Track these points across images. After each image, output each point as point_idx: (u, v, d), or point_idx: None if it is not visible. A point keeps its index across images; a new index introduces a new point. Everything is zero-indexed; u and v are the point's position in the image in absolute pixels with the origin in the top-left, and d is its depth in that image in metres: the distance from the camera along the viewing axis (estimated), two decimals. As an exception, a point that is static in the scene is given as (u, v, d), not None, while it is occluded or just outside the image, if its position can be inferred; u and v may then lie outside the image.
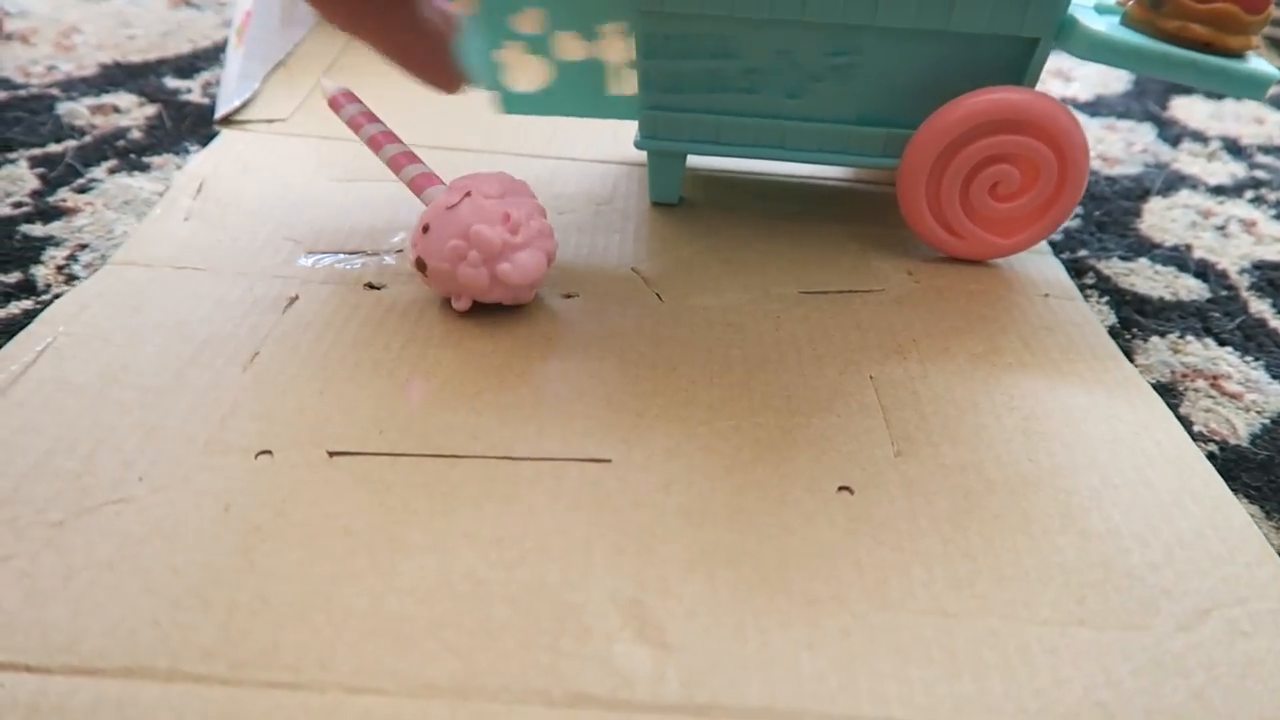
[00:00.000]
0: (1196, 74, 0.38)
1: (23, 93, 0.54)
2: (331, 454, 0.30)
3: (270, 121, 0.52)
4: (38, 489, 0.28)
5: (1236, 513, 0.30)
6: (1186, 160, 0.56)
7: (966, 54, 0.40)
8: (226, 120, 0.51)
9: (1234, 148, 0.58)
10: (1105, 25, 0.39)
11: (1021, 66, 0.40)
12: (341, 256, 0.41)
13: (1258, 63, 0.38)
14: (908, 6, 0.38)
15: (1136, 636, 0.25)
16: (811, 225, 0.46)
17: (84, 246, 0.42)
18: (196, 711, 0.22)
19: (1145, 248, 0.47)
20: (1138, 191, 0.53)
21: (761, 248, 0.44)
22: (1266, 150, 0.58)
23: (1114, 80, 0.67)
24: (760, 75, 0.41)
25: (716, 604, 0.26)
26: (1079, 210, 0.50)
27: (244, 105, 0.52)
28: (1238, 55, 0.38)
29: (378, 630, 0.24)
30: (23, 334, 0.35)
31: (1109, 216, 0.50)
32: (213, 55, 0.61)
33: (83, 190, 0.46)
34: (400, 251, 0.42)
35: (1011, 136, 0.39)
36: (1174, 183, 0.54)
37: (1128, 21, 0.40)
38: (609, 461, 0.30)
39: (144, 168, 0.48)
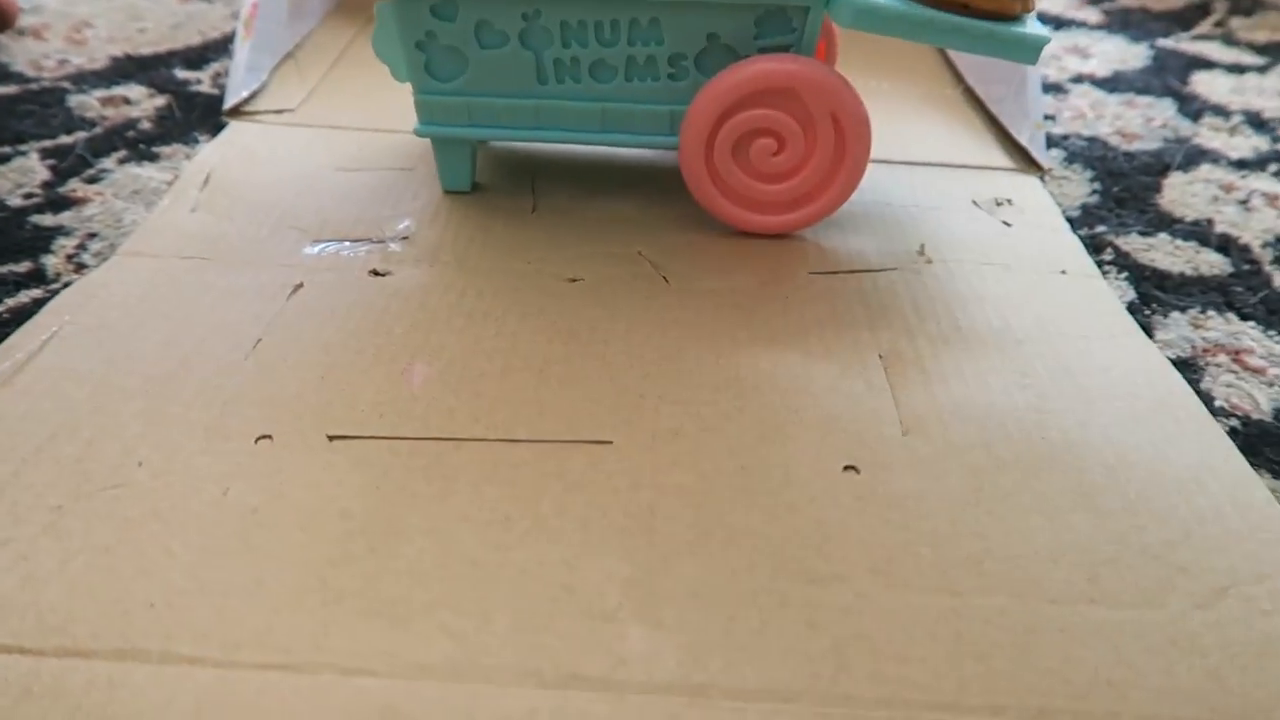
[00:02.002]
0: (964, 39, 0.36)
1: (34, 86, 0.55)
2: (331, 438, 0.30)
3: (279, 112, 0.52)
4: (38, 474, 0.28)
5: (1257, 489, 0.29)
6: (1208, 135, 0.55)
7: (742, 26, 0.38)
8: (235, 111, 0.51)
9: (1256, 121, 0.57)
10: None
11: (800, 35, 0.38)
12: (347, 244, 0.41)
13: (1030, 25, 0.37)
14: None
15: (1151, 615, 0.25)
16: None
17: (93, 236, 0.42)
18: (188, 692, 0.22)
19: (1165, 223, 0.46)
20: (1157, 167, 0.51)
21: (770, 229, 0.43)
22: (1292, 124, 0.57)
23: (1132, 56, 0.66)
24: (538, 57, 0.40)
25: (716, 584, 0.25)
26: (1097, 186, 0.49)
27: (252, 96, 0.52)
28: (1010, 18, 0.37)
29: (372, 612, 0.24)
30: (29, 323, 0.35)
31: (1128, 192, 0.49)
32: (222, 47, 0.61)
33: (93, 180, 0.46)
34: (405, 239, 0.42)
35: (775, 109, 0.38)
36: (1195, 157, 0.53)
37: None
38: (610, 443, 0.30)
39: (153, 158, 0.48)
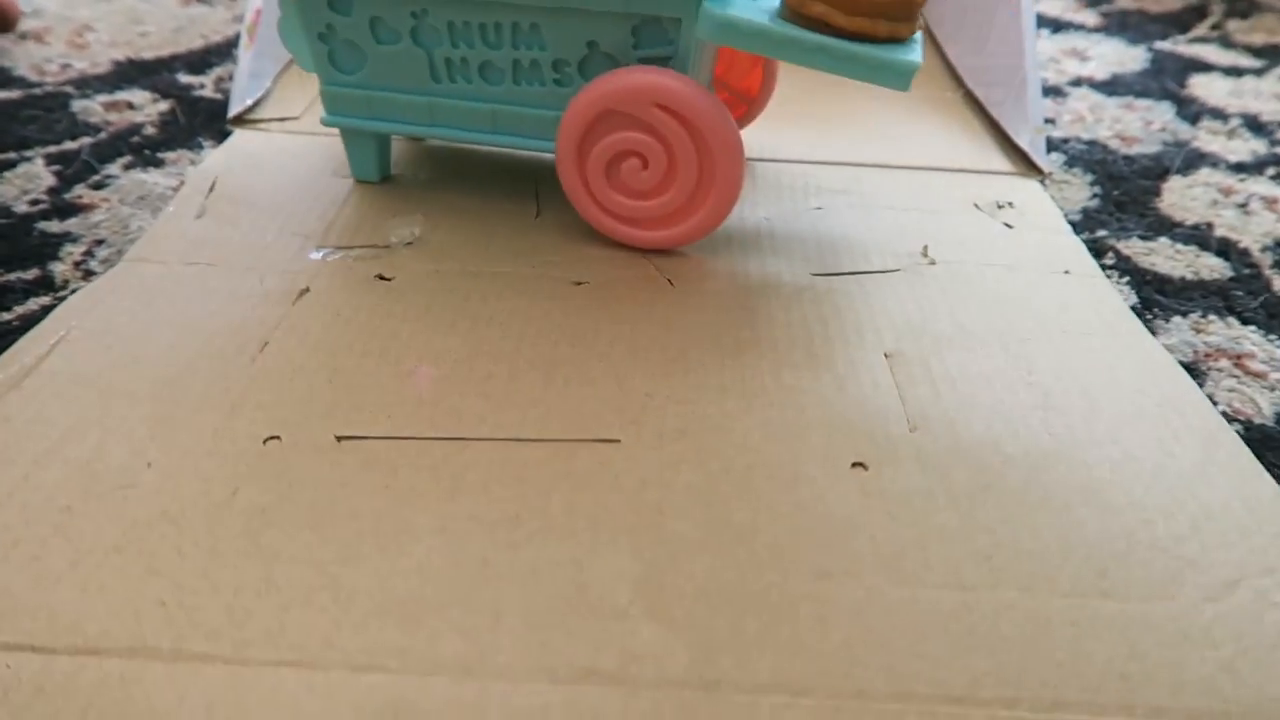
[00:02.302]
0: (827, 59, 0.35)
1: (37, 91, 0.55)
2: (339, 438, 0.30)
3: (282, 120, 0.52)
4: (47, 476, 0.28)
5: (1265, 484, 0.29)
6: (1206, 138, 0.55)
7: (620, 35, 0.38)
8: (239, 119, 0.52)
9: (1254, 124, 0.57)
10: (741, 7, 0.36)
11: (674, 45, 0.38)
12: (352, 250, 0.41)
13: (902, 50, 0.35)
14: None
15: (1162, 608, 0.25)
16: (824, 204, 0.46)
17: (100, 242, 0.42)
18: (200, 690, 0.21)
19: (1165, 227, 0.47)
20: (1157, 170, 0.52)
21: (775, 230, 0.44)
22: (1290, 126, 0.57)
23: (1130, 59, 0.66)
24: (430, 55, 0.40)
25: (726, 581, 0.25)
26: (1098, 190, 0.49)
27: (256, 104, 0.52)
28: (876, 40, 0.35)
29: (383, 610, 0.24)
30: (36, 329, 0.35)
31: (1127, 196, 0.49)
32: (224, 51, 0.61)
33: (99, 186, 0.46)
34: (410, 244, 0.42)
35: (637, 129, 0.38)
36: (1194, 161, 0.53)
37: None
38: (618, 442, 0.30)
39: (158, 163, 0.48)
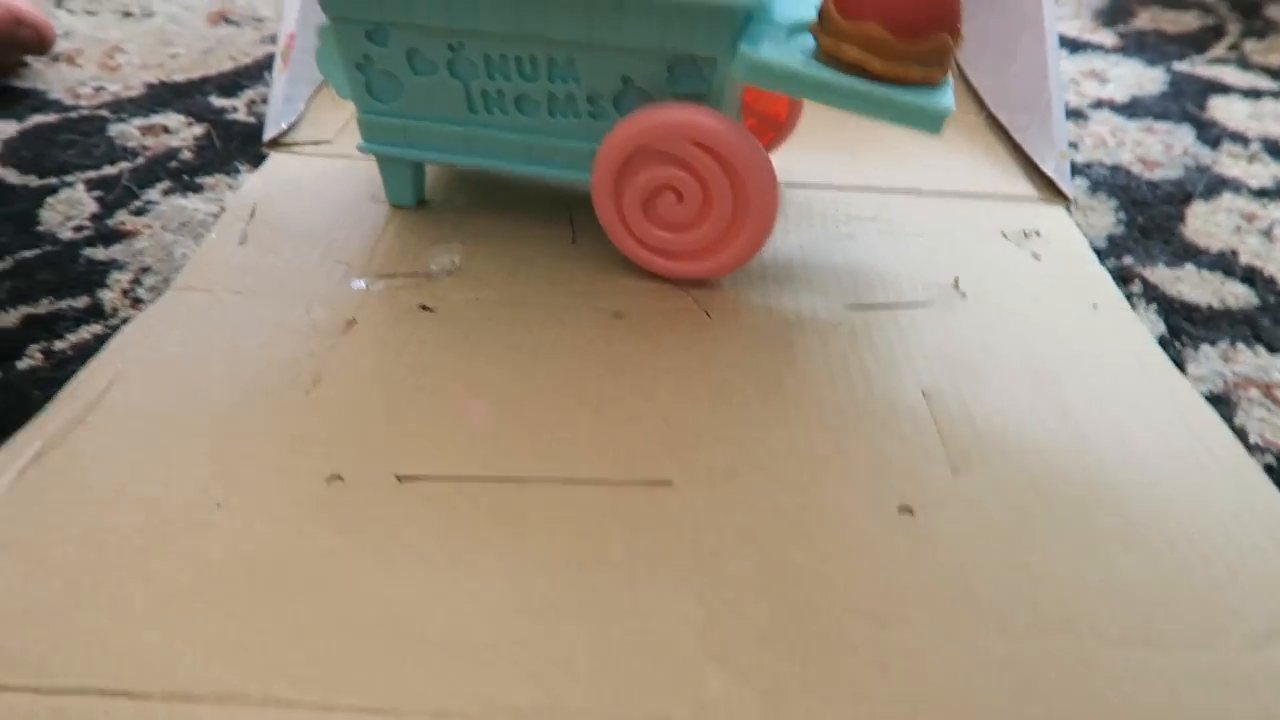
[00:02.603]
0: (861, 103, 0.35)
1: (74, 115, 0.56)
2: (400, 478, 0.31)
3: (316, 143, 0.53)
4: (120, 516, 0.29)
5: (1296, 527, 0.30)
6: (1227, 162, 0.56)
7: (655, 72, 0.39)
8: (274, 142, 0.52)
9: (1274, 148, 0.58)
10: (775, 47, 0.37)
11: (708, 83, 0.39)
12: (395, 279, 0.42)
13: (934, 94, 0.35)
14: (577, 22, 0.38)
15: (1205, 657, 0.26)
16: (854, 231, 0.47)
17: (146, 269, 0.43)
18: (292, 738, 0.22)
19: (1190, 253, 0.47)
20: (1180, 195, 0.53)
21: (807, 259, 0.44)
22: (1309, 151, 0.58)
23: (1149, 81, 0.67)
24: (466, 86, 0.41)
25: (785, 626, 0.26)
26: (1122, 216, 0.50)
27: (290, 128, 0.53)
28: (910, 84, 0.35)
29: (461, 654, 0.25)
30: (93, 362, 0.36)
31: (1152, 222, 0.50)
32: (254, 73, 0.62)
33: (139, 212, 0.47)
34: (451, 273, 0.43)
35: (673, 163, 0.38)
36: (1216, 186, 0.54)
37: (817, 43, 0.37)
38: (670, 484, 0.31)
39: (196, 188, 0.49)
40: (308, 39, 0.55)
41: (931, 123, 0.35)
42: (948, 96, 0.36)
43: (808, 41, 0.38)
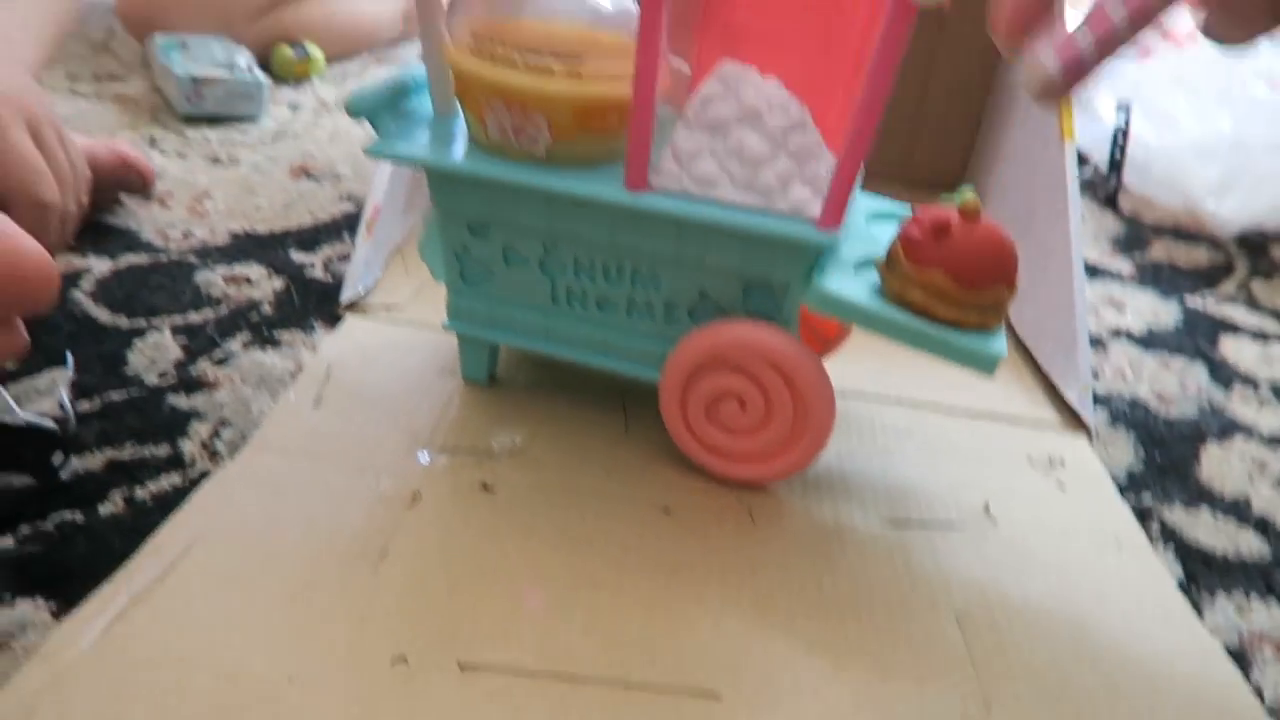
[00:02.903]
0: (921, 340, 0.38)
1: (163, 258, 0.59)
2: (462, 667, 0.32)
3: (388, 308, 0.56)
4: (198, 683, 0.30)
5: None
6: (1239, 405, 0.60)
7: (731, 290, 0.43)
8: (350, 305, 0.56)
9: (1284, 394, 0.61)
10: (844, 280, 0.40)
11: (779, 305, 0.42)
12: (458, 454, 0.45)
13: (989, 339, 0.38)
14: (666, 239, 0.41)
15: None
16: (891, 445, 0.49)
17: (225, 423, 0.45)
18: None
19: (1206, 496, 0.50)
20: (1195, 435, 0.55)
21: (845, 470, 0.47)
22: (1315, 399, 0.61)
23: (1164, 313, 0.71)
24: (553, 282, 0.45)
25: None
26: (1140, 452, 0.53)
27: (367, 292, 0.57)
28: (968, 328, 0.38)
29: None
30: (175, 517, 0.38)
31: (1169, 460, 0.53)
32: (332, 230, 0.66)
33: (220, 362, 0.50)
34: (511, 453, 0.45)
35: (739, 373, 0.42)
36: (1229, 428, 0.57)
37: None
38: (719, 699, 0.32)
39: (275, 343, 0.52)
40: (391, 210, 0.60)
41: (986, 365, 0.38)
42: (1001, 342, 0.39)
43: (873, 277, 0.42)
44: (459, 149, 0.43)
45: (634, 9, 0.38)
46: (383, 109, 0.43)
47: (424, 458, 0.44)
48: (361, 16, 1.07)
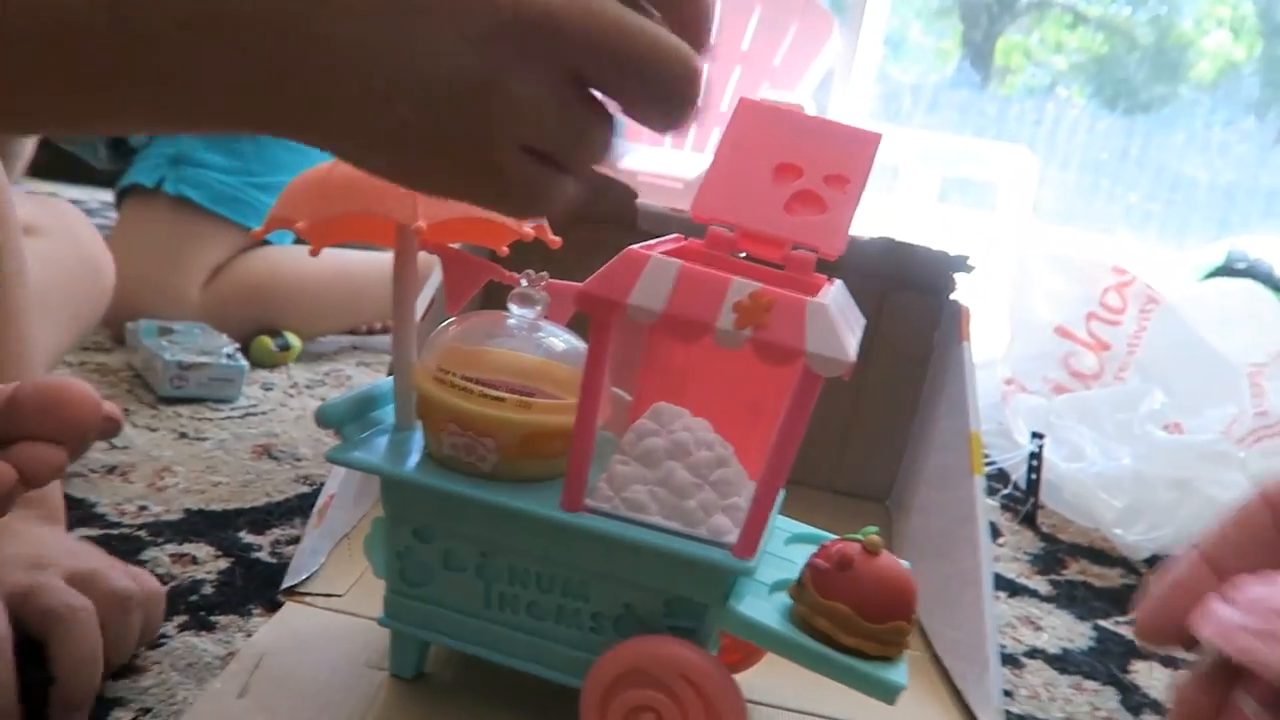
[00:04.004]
0: (825, 666, 0.41)
1: (114, 532, 0.61)
2: None
3: (327, 596, 0.58)
4: None
5: None
6: (1149, 734, 0.61)
7: (653, 604, 0.45)
8: (290, 590, 0.57)
9: (1192, 726, 0.63)
10: (757, 604, 0.44)
11: (700, 621, 0.45)
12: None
13: (890, 669, 0.41)
14: (596, 555, 0.45)
15: None
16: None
17: (146, 711, 0.45)
18: None
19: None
20: (1106, 765, 0.57)
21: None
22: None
23: (1078, 635, 0.74)
24: (488, 586, 0.47)
25: None
26: (1053, 782, 0.54)
27: (308, 578, 0.59)
28: (870, 657, 0.41)
29: None
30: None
31: (1081, 792, 0.54)
32: (284, 511, 0.69)
33: (154, 646, 0.50)
34: (431, 755, 0.45)
35: (654, 688, 0.43)
36: (1139, 759, 0.58)
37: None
38: None
39: (210, 627, 0.53)
40: (342, 501, 0.63)
41: (887, 694, 0.41)
42: (902, 672, 0.42)
43: (785, 601, 0.45)
44: (413, 460, 0.47)
45: (583, 348, 0.44)
46: (349, 420, 0.48)
47: (342, 760, 0.44)
48: (343, 308, 1.16)
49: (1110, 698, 0.65)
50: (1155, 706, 0.65)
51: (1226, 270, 1.46)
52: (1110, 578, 0.87)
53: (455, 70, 0.31)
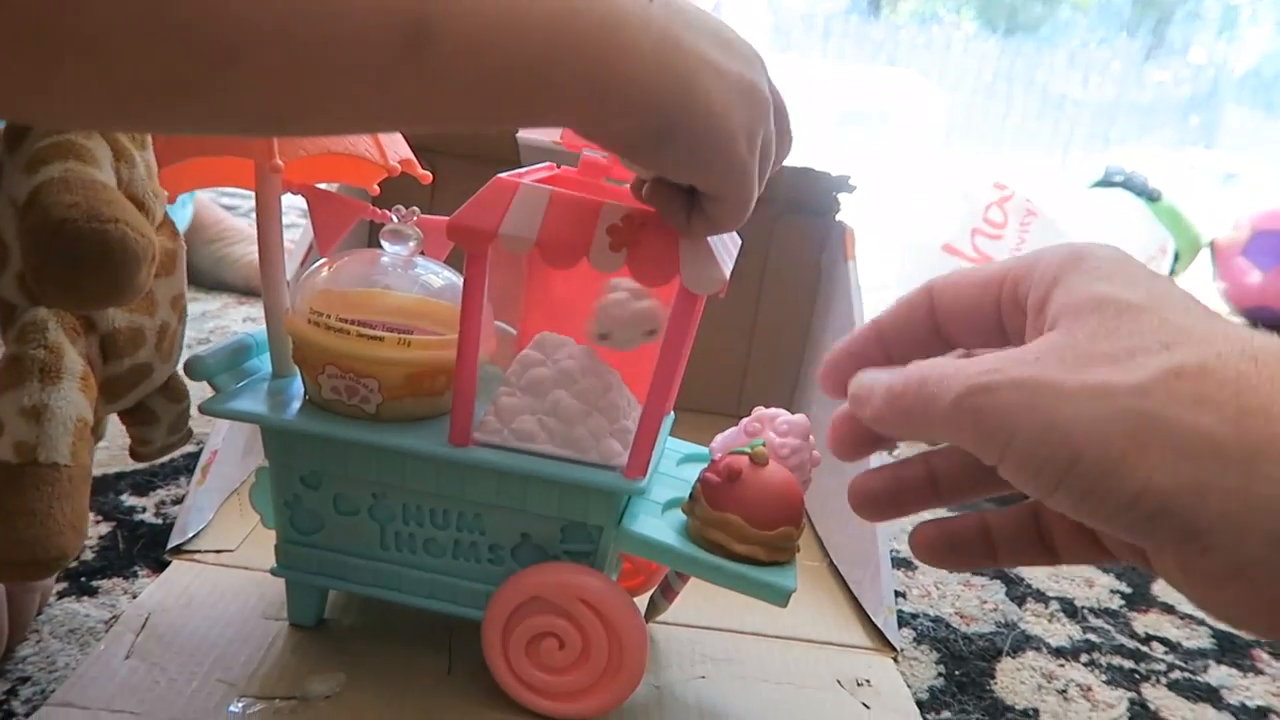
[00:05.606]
0: (719, 576, 0.43)
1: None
2: None
3: (218, 552, 0.56)
4: None
5: None
6: (1031, 620, 0.65)
7: (550, 531, 0.46)
8: (177, 550, 0.56)
9: (1070, 609, 0.68)
10: (651, 522, 0.45)
11: (595, 544, 0.46)
12: (274, 701, 0.44)
13: (781, 573, 0.43)
14: (487, 487, 0.45)
15: None
16: (709, 673, 0.51)
17: (25, 679, 0.44)
18: None
19: (1000, 710, 0.54)
20: (991, 651, 0.60)
21: (663, 700, 0.49)
22: (1097, 613, 0.68)
23: (968, 534, 0.78)
24: (383, 528, 0.47)
25: None
26: (942, 669, 0.57)
27: (195, 536, 0.57)
28: (762, 564, 0.43)
29: None
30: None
31: (967, 677, 0.57)
32: (169, 472, 0.66)
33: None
34: (329, 698, 0.45)
35: (557, 614, 0.44)
36: (1021, 643, 0.62)
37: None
38: None
39: (92, 592, 0.51)
40: (229, 451, 0.61)
41: (778, 598, 0.43)
42: (791, 576, 0.44)
43: (679, 518, 0.46)
44: (294, 407, 0.46)
45: (460, 283, 0.43)
46: (222, 370, 0.46)
47: (235, 708, 0.44)
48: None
49: (997, 590, 0.69)
50: (1039, 595, 0.69)
51: (1105, 183, 1.52)
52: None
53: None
